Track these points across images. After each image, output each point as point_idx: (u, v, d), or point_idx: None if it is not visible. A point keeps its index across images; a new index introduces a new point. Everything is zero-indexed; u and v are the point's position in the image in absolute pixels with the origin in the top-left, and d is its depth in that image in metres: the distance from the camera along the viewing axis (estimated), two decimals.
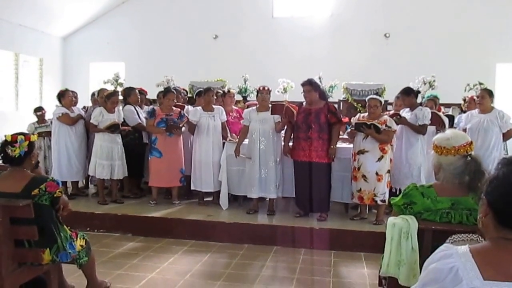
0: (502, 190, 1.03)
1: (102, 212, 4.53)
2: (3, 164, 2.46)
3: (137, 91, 5.32)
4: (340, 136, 4.60)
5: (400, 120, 4.38)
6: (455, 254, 1.01)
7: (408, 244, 1.82)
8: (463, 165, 1.88)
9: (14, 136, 2.34)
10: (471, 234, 1.60)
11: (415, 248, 1.82)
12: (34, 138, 2.42)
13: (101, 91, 5.38)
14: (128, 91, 5.26)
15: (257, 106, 4.59)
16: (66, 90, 5.20)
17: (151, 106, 5.46)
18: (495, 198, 1.04)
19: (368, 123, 4.07)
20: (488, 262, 0.98)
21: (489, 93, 4.68)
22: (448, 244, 1.07)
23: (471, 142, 1.97)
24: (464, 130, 4.71)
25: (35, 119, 5.73)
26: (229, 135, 4.90)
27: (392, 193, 4.41)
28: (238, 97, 6.58)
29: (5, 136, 2.35)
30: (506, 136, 4.66)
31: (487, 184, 1.08)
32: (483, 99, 4.61)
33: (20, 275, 2.33)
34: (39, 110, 5.64)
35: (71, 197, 5.00)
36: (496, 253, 1.00)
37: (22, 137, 2.35)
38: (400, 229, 1.83)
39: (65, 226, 2.49)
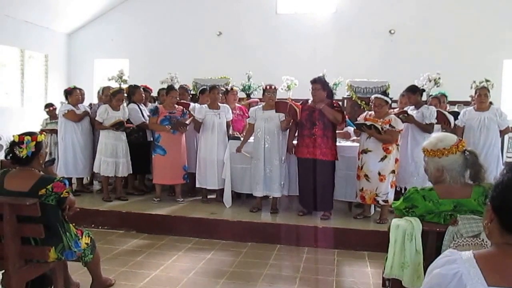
0: (507, 195, 1.03)
1: (107, 209, 4.57)
2: (7, 161, 2.48)
3: (141, 89, 5.33)
4: (339, 131, 4.64)
5: (407, 118, 4.34)
6: (459, 260, 1.00)
7: (412, 246, 1.81)
8: (464, 161, 1.92)
9: (21, 136, 2.36)
10: (475, 238, 1.59)
11: (419, 250, 1.82)
12: (41, 138, 2.43)
13: (106, 88, 5.40)
14: (133, 89, 5.28)
15: (263, 104, 4.59)
16: (74, 88, 5.23)
17: (155, 104, 5.47)
18: (500, 204, 1.03)
19: (368, 123, 4.05)
20: (492, 268, 0.97)
21: (488, 91, 4.74)
22: (452, 250, 1.07)
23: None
24: (462, 128, 4.71)
25: (42, 115, 5.77)
26: (230, 131, 4.91)
27: (397, 192, 4.40)
28: (242, 95, 6.57)
29: (13, 136, 2.37)
30: (502, 133, 4.73)
31: (492, 189, 1.07)
32: (486, 97, 4.63)
33: (26, 272, 2.36)
34: (47, 107, 5.69)
35: (76, 194, 5.05)
36: (501, 259, 0.99)
37: (29, 137, 2.36)
38: (404, 230, 1.83)
39: (70, 225, 2.51)
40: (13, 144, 2.35)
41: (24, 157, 2.33)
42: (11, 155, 2.36)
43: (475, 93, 4.84)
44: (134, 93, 5.23)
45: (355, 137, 4.66)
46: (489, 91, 4.73)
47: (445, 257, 1.04)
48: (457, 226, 1.77)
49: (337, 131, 4.63)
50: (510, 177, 1.04)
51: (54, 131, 5.42)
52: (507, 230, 1.01)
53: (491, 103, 4.79)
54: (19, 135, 2.36)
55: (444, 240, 1.80)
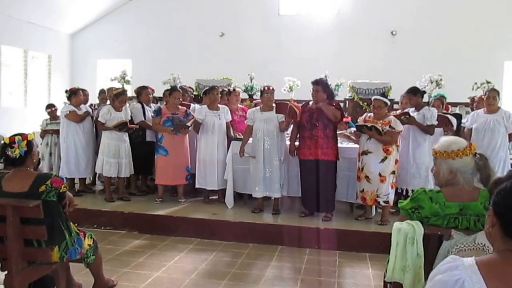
0: (509, 201, 1.03)
1: (109, 209, 4.58)
2: (3, 168, 2.50)
3: (149, 90, 5.37)
4: (340, 132, 4.63)
5: (408, 119, 4.34)
6: (461, 266, 1.00)
7: (413, 249, 1.82)
8: (475, 163, 1.92)
9: (12, 137, 2.37)
10: (477, 243, 1.59)
11: (420, 254, 1.82)
12: (31, 137, 2.44)
13: (109, 89, 5.43)
14: (141, 90, 5.34)
15: (261, 105, 4.60)
16: (78, 89, 5.25)
17: (157, 104, 5.49)
18: (502, 210, 1.04)
19: (369, 125, 4.05)
20: (494, 275, 0.97)
21: (498, 93, 4.70)
22: (454, 256, 1.07)
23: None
24: (470, 130, 4.71)
25: (44, 115, 5.79)
26: (232, 133, 4.92)
27: (398, 194, 4.40)
28: (244, 95, 6.58)
29: (3, 139, 2.39)
30: (511, 137, 4.66)
31: (494, 194, 1.08)
32: (494, 99, 4.61)
33: (29, 273, 2.37)
34: (48, 108, 5.71)
35: (78, 194, 5.08)
36: (503, 265, 1.00)
37: (20, 137, 2.38)
38: (406, 234, 1.83)
39: (71, 223, 2.52)
40: (4, 146, 2.36)
41: (17, 156, 2.35)
42: (4, 157, 2.37)
43: (484, 95, 4.81)
44: (141, 94, 5.28)
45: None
46: (498, 94, 4.70)
47: (447, 263, 1.04)
48: (452, 240, 1.78)
49: (341, 132, 4.63)
50: None
51: (55, 132, 5.44)
52: (509, 236, 1.02)
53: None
54: (9, 137, 2.38)
55: (438, 254, 1.80)
